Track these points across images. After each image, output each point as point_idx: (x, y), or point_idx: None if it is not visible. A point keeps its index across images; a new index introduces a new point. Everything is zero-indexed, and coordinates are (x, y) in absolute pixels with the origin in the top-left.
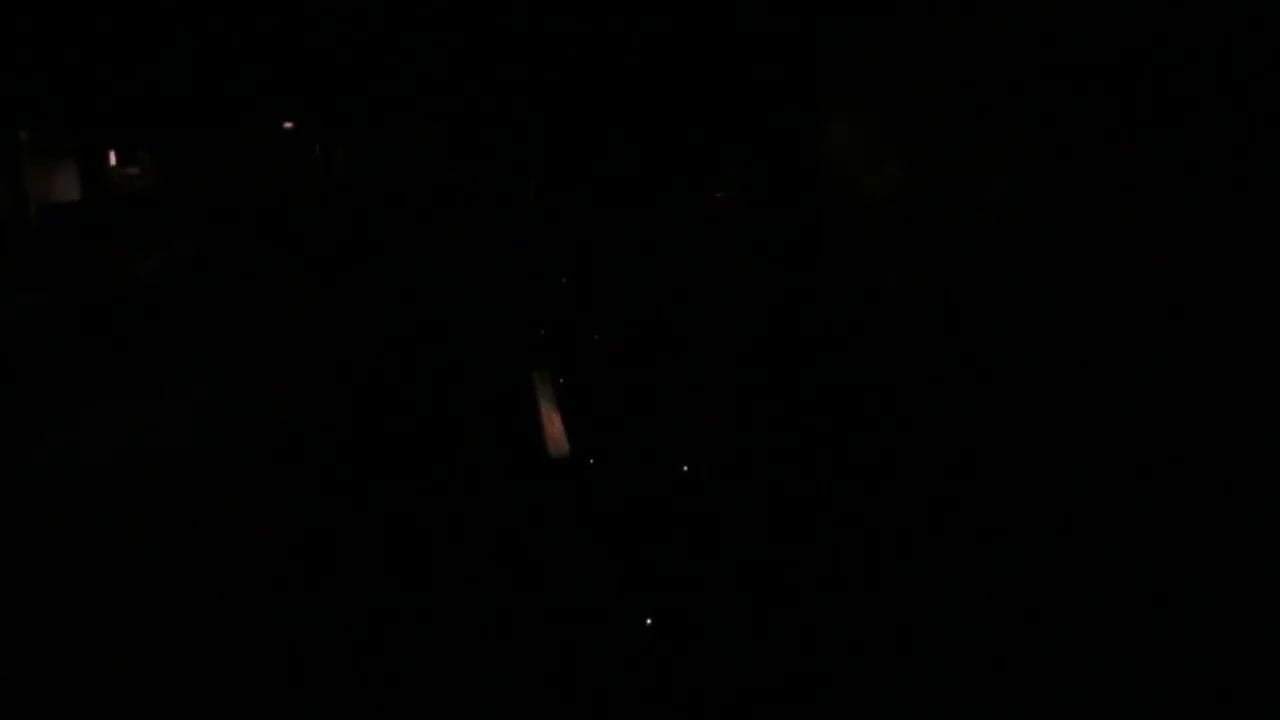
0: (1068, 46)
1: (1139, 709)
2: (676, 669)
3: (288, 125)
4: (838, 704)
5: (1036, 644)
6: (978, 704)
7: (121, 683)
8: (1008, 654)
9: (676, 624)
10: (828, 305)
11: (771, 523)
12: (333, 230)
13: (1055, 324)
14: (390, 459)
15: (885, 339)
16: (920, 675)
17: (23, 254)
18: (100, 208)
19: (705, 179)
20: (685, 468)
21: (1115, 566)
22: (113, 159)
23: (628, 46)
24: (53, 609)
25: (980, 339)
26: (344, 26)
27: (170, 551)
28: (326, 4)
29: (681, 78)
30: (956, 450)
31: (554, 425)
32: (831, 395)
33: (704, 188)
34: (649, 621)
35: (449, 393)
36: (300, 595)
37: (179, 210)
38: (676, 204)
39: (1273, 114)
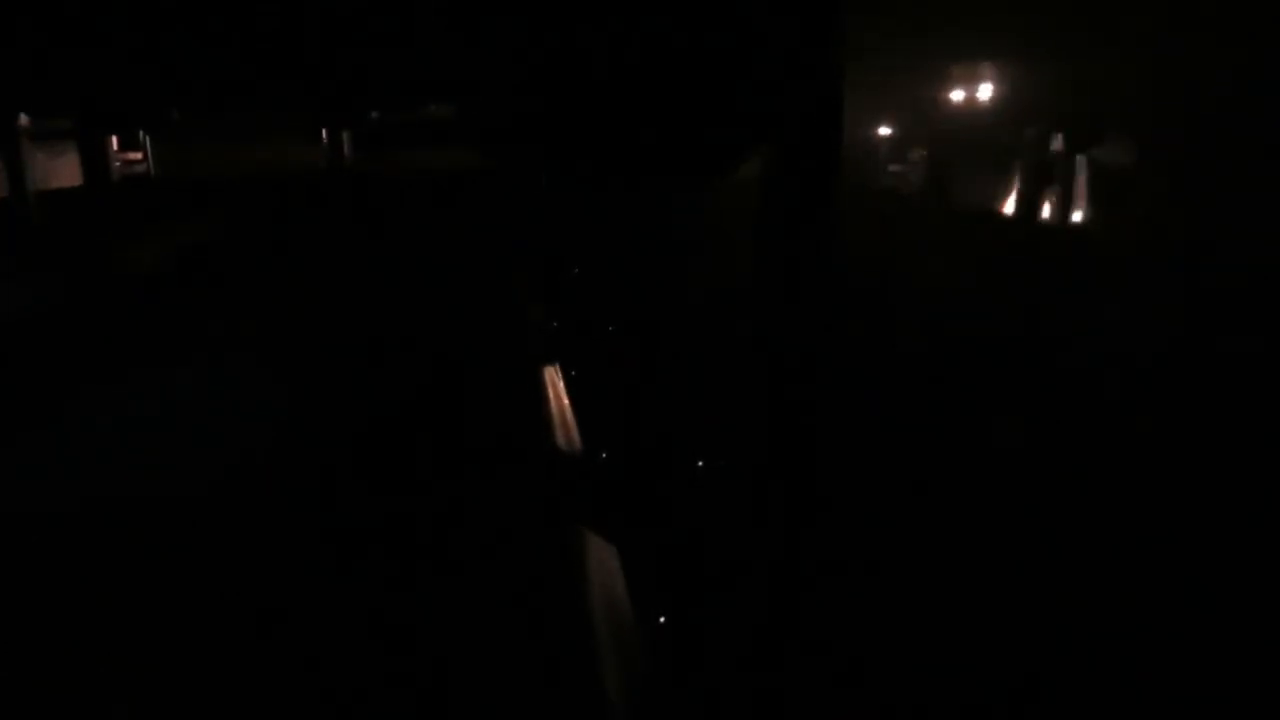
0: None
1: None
2: (691, 666)
3: (294, 111)
4: (849, 703)
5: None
6: (980, 703)
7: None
8: (1012, 654)
9: (691, 621)
10: (845, 297)
11: (788, 520)
12: (341, 217)
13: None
14: (398, 455)
15: (901, 332)
16: (929, 676)
17: (22, 241)
18: (102, 194)
19: (723, 168)
20: (700, 463)
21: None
22: (114, 144)
23: (638, 34)
24: (48, 606)
25: (988, 336)
26: (351, 22)
27: (169, 551)
28: None
29: (697, 63)
30: (967, 448)
31: (565, 419)
32: (847, 389)
33: (722, 177)
34: (662, 619)
35: (459, 387)
36: (300, 592)
37: (182, 196)
38: (693, 194)
39: None
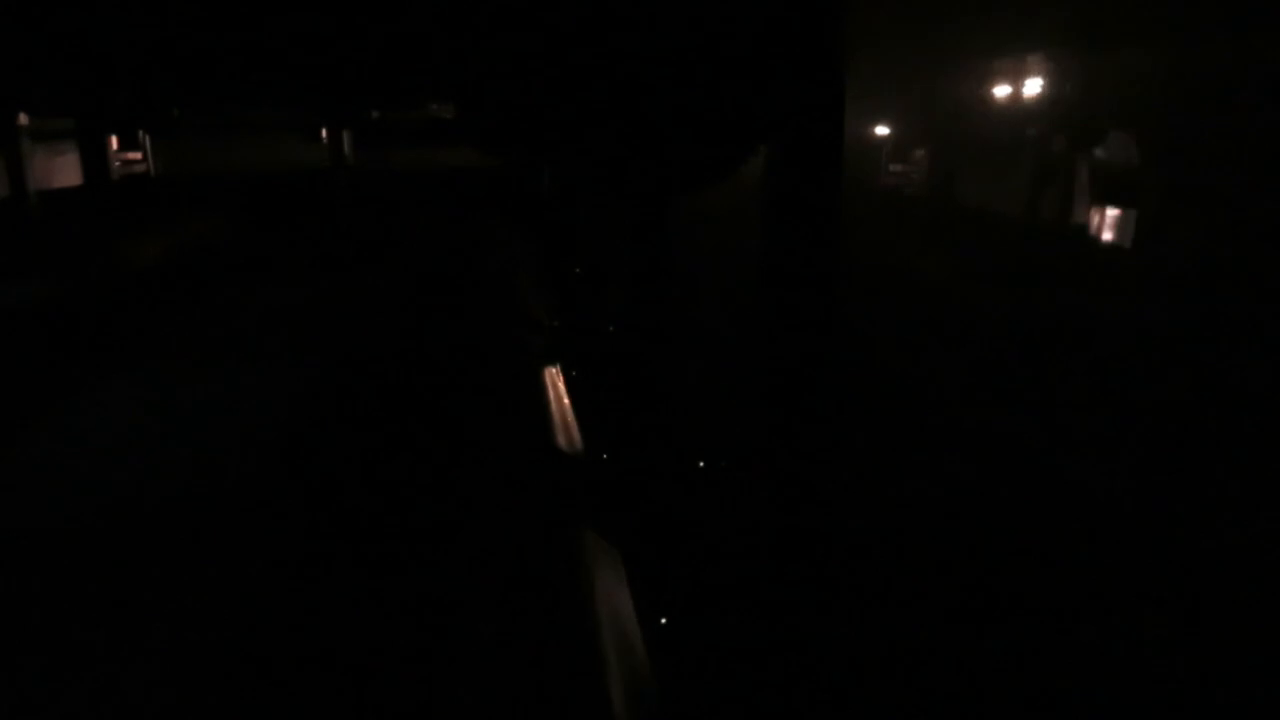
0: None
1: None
2: (694, 667)
3: (294, 110)
4: (852, 706)
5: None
6: (983, 703)
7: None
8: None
9: (694, 622)
10: (849, 295)
11: (791, 520)
12: (340, 216)
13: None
14: (398, 455)
15: (906, 330)
16: (933, 677)
17: (22, 240)
18: (102, 194)
19: (725, 168)
20: (701, 463)
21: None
22: (114, 144)
23: (639, 33)
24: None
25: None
26: (351, 20)
27: (162, 550)
28: None
29: (698, 62)
30: (976, 445)
31: (566, 419)
32: (853, 388)
33: (724, 177)
34: (664, 621)
35: (460, 388)
36: (293, 597)
37: (182, 195)
38: (695, 194)
39: None
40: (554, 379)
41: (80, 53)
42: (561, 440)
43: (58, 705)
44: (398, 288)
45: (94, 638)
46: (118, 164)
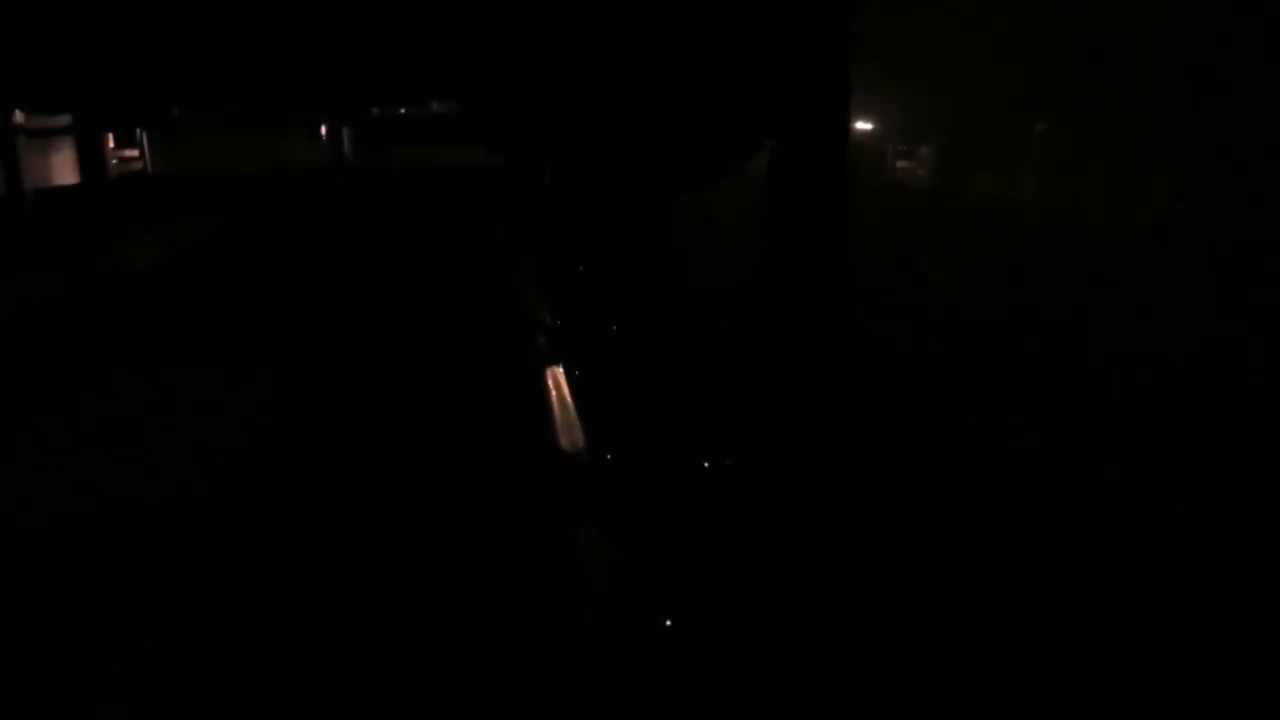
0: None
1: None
2: (698, 670)
3: (294, 107)
4: (853, 706)
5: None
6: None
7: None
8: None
9: (698, 623)
10: (855, 295)
11: (796, 521)
12: (340, 215)
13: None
14: (400, 457)
15: (910, 329)
16: (935, 676)
17: (18, 239)
18: (99, 192)
19: (729, 165)
20: (706, 464)
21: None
22: (111, 141)
23: (641, 28)
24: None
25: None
26: (352, 16)
27: (161, 547)
28: None
29: (700, 58)
30: (978, 445)
31: (569, 420)
32: (857, 388)
33: (727, 174)
34: (668, 623)
35: (460, 389)
36: (296, 599)
37: (179, 194)
38: (698, 191)
39: None
40: (557, 379)
41: (77, 49)
42: (565, 440)
43: (59, 700)
44: (398, 287)
45: (93, 632)
46: (115, 162)
